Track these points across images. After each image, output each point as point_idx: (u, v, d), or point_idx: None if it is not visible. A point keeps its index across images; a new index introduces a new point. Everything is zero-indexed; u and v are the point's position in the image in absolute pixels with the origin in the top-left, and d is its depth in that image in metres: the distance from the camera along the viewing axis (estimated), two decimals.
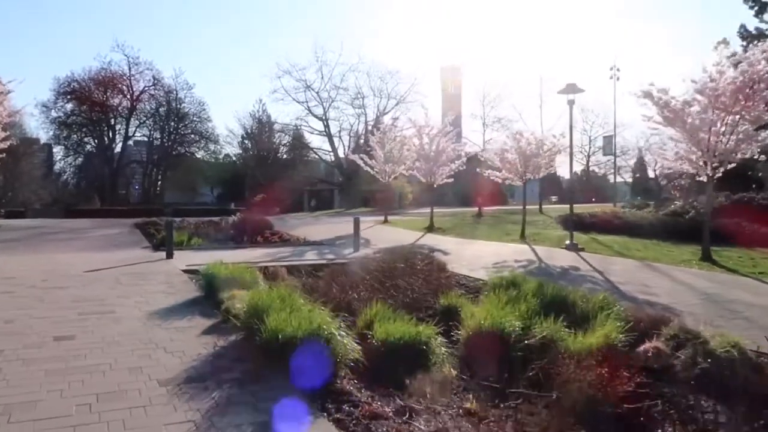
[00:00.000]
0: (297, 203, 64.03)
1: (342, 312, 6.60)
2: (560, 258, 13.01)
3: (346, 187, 64.05)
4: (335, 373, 4.71)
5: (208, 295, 7.91)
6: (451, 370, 5.38)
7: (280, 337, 4.90)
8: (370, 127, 63.72)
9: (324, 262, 12.07)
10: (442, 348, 5.56)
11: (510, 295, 7.36)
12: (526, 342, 5.58)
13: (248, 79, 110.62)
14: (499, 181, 18.45)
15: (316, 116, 62.71)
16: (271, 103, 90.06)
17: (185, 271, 10.30)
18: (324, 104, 61.98)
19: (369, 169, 25.67)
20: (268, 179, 66.99)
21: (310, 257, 12.99)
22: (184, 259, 12.16)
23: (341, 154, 64.81)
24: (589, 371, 4.63)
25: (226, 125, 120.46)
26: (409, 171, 23.18)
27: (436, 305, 7.44)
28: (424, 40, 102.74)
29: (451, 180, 22.58)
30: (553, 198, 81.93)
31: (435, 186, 22.45)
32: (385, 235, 19.65)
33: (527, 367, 5.34)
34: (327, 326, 5.06)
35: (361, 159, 25.54)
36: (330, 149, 64.94)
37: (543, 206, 38.43)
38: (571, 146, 16.29)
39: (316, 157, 72.00)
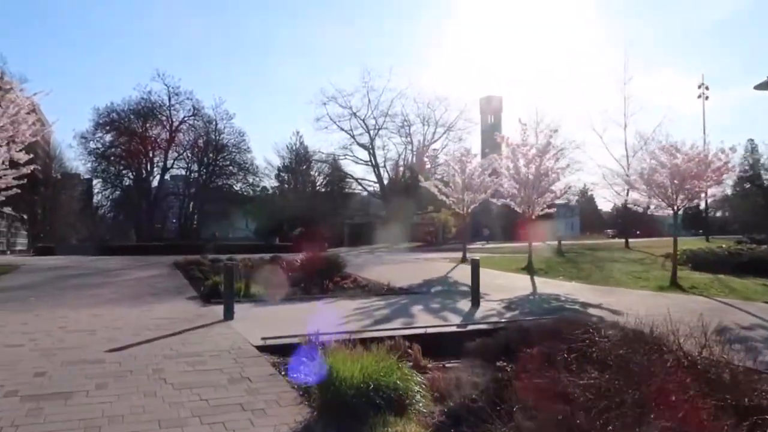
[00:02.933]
0: (337, 237, 60.64)
1: None
2: None
3: (390, 220, 60.50)
4: None
5: (330, 418, 4.18)
6: None
7: None
8: (414, 157, 60.53)
9: (454, 329, 8.24)
10: None
11: None
12: None
13: (292, 108, 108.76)
14: (640, 210, 14.47)
15: (361, 145, 59.82)
16: (314, 132, 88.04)
17: (262, 349, 6.61)
18: (370, 132, 59.02)
19: (444, 198, 21.92)
20: (307, 212, 64.06)
21: (427, 318, 9.13)
22: (251, 320, 8.55)
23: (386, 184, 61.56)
24: None
25: (264, 157, 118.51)
26: (501, 200, 19.24)
27: None
28: (473, 67, 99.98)
29: (553, 210, 18.68)
30: (609, 231, 76.68)
31: (534, 217, 18.49)
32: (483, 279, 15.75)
33: None
34: None
35: (435, 187, 21.83)
36: (375, 179, 61.57)
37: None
38: None
39: (356, 189, 68.96)
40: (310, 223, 62.83)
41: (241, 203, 66.50)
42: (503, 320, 8.50)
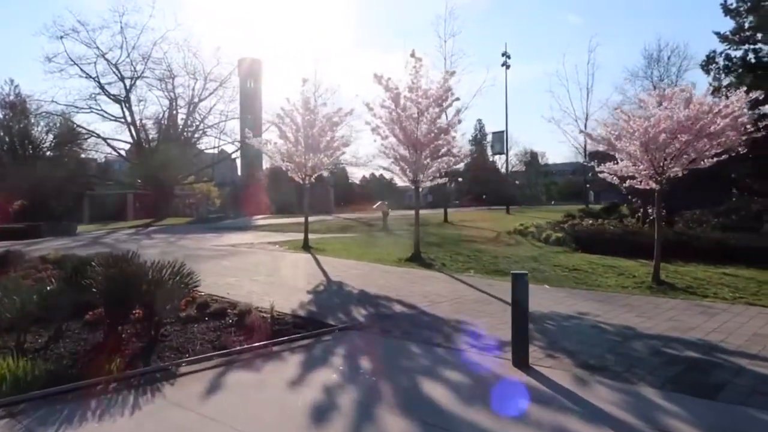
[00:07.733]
0: (75, 213, 48.22)
1: None
2: None
3: (147, 190, 50.34)
4: None
5: None
6: None
7: None
8: (182, 116, 51.19)
9: None
10: None
11: None
12: None
13: (12, 43, 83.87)
14: (616, 181, 10.66)
15: (112, 96, 47.63)
16: (45, 75, 69.17)
17: None
18: (125, 81, 47.30)
19: (280, 163, 15.86)
20: (31, 181, 49.54)
21: None
22: None
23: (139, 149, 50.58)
24: None
25: None
26: (381, 167, 13.99)
27: None
28: (245, 19, 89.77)
29: (444, 180, 14.24)
30: (384, 203, 76.49)
31: (420, 190, 13.75)
32: (395, 284, 10.57)
33: None
34: None
35: (265, 145, 15.66)
36: (129, 140, 50.24)
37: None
38: None
39: (101, 153, 55.78)
40: (35, 196, 48.93)
41: None
42: None
